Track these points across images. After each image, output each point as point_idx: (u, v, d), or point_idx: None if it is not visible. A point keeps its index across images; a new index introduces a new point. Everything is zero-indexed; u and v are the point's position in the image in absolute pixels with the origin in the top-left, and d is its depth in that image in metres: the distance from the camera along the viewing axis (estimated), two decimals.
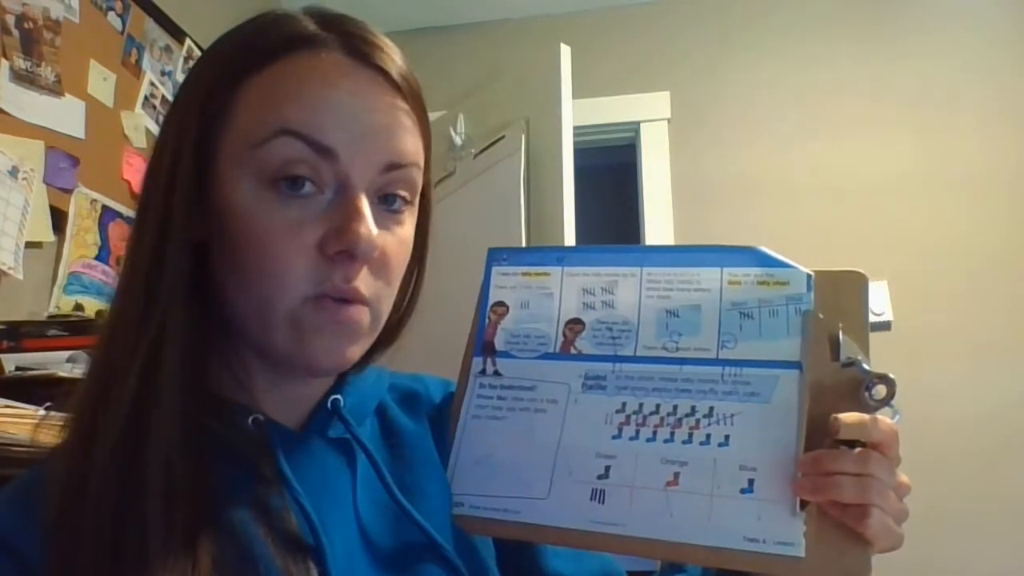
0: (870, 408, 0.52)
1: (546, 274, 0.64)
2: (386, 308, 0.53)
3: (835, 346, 0.55)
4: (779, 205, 2.27)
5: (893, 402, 0.52)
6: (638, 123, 2.42)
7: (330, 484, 0.53)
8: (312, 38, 0.49)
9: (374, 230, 0.48)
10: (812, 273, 0.59)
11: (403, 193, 0.51)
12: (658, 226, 2.32)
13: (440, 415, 0.63)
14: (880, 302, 2.11)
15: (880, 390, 0.53)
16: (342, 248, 0.47)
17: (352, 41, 0.50)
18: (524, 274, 0.64)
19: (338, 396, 0.55)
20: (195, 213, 0.49)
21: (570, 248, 0.66)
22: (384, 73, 0.50)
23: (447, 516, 0.56)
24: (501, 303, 0.64)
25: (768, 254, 0.60)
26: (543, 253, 0.65)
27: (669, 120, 2.40)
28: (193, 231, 0.49)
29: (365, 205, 0.48)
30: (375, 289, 0.50)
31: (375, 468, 0.54)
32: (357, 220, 0.47)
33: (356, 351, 0.51)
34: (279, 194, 0.47)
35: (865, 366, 0.53)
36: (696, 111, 2.39)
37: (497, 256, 0.66)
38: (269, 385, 0.53)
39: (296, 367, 0.51)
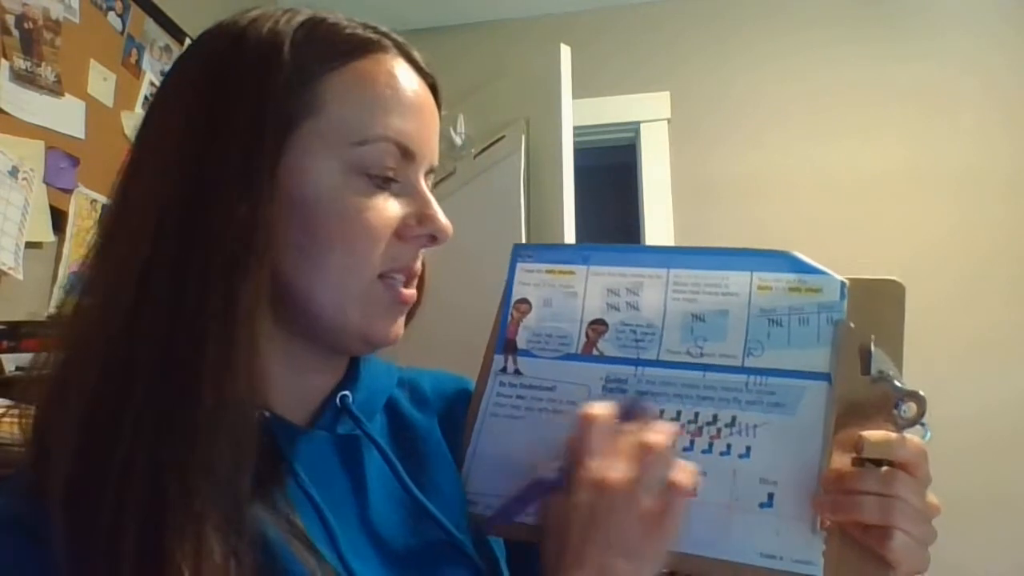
0: (899, 426, 0.50)
1: (571, 272, 0.62)
2: None
3: (866, 358, 0.53)
4: (779, 205, 2.27)
5: (924, 419, 0.50)
6: (638, 123, 2.42)
7: (340, 481, 0.52)
8: (378, 41, 0.53)
9: None
10: (846, 280, 0.56)
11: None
12: (658, 226, 2.32)
13: (451, 410, 0.62)
14: None
15: (910, 408, 0.50)
16: (427, 232, 0.53)
17: (404, 48, 0.54)
18: (548, 271, 0.62)
19: (347, 392, 0.54)
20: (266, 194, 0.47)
21: (596, 246, 0.64)
22: (432, 82, 0.56)
23: (462, 513, 0.55)
24: (524, 300, 0.62)
25: (801, 259, 0.57)
26: (569, 251, 0.64)
27: (669, 120, 2.40)
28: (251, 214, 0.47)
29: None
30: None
31: (389, 464, 0.53)
32: (435, 208, 0.53)
33: (403, 327, 0.55)
34: (367, 183, 0.51)
35: (896, 382, 0.51)
36: (696, 111, 2.39)
37: (522, 252, 0.64)
38: (276, 379, 0.51)
39: (352, 344, 0.53)
